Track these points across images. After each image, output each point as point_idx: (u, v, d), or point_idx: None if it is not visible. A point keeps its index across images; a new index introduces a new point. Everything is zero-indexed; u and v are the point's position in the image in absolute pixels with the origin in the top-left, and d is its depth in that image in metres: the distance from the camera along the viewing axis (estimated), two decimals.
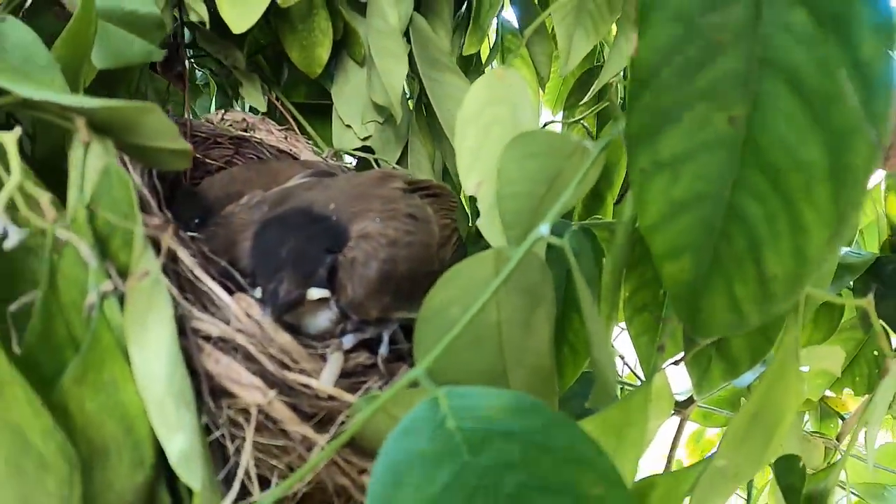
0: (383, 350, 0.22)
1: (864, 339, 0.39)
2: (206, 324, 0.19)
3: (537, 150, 0.22)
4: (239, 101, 0.39)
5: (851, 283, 0.36)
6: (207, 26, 0.30)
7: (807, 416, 0.45)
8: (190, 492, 0.19)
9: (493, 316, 0.21)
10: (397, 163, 0.36)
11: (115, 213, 0.18)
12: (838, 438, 0.40)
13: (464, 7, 0.40)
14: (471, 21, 0.38)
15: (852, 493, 0.43)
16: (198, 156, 0.34)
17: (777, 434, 0.19)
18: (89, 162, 0.18)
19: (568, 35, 0.35)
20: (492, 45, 0.44)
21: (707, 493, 0.20)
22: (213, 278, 0.20)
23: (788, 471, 0.26)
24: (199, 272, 0.20)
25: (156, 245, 0.19)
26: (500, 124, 0.26)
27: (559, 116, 0.46)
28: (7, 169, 0.18)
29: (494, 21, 0.43)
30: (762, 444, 0.19)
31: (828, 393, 0.42)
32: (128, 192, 0.18)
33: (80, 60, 0.22)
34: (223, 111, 0.34)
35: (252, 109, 0.38)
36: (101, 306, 0.17)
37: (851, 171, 0.12)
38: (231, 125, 0.34)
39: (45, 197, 0.18)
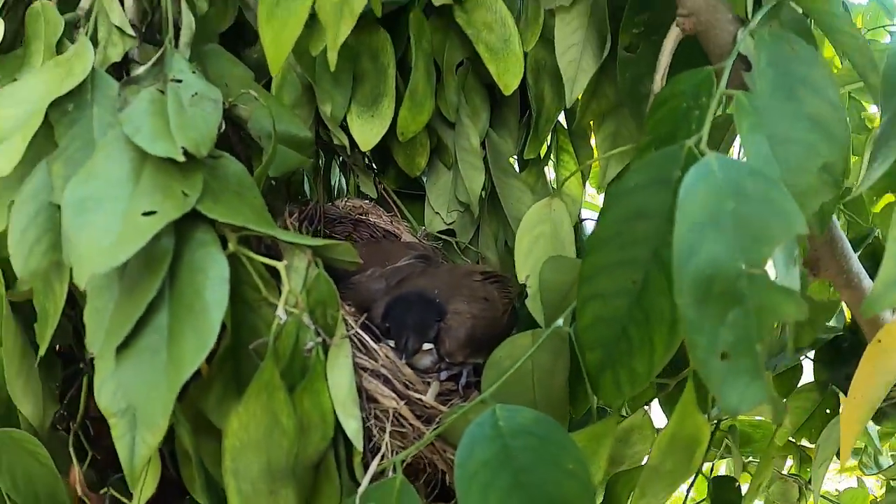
0: (463, 381, 0.42)
1: (820, 399, 0.55)
2: (363, 360, 0.39)
3: (563, 269, 0.41)
4: (355, 190, 0.60)
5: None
6: (348, 151, 0.51)
7: (790, 461, 0.61)
8: (348, 458, 0.39)
9: (529, 367, 0.40)
10: (470, 242, 0.56)
11: (320, 300, 0.38)
12: (809, 481, 0.57)
13: (526, 115, 0.59)
14: (530, 131, 0.57)
15: None
16: (327, 231, 0.55)
17: (698, 452, 0.37)
18: (310, 271, 0.38)
19: (604, 150, 0.54)
20: (548, 144, 0.64)
21: (646, 487, 0.38)
22: (364, 331, 0.40)
23: (725, 489, 0.44)
24: (360, 331, 0.40)
25: None
26: (544, 238, 0.45)
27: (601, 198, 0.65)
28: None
29: None
30: (686, 457, 0.37)
31: (807, 444, 0.59)
32: (330, 287, 0.38)
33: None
34: (346, 198, 0.55)
35: (366, 196, 0.58)
36: (315, 351, 0.37)
37: (677, 329, 0.31)
38: (351, 209, 0.55)
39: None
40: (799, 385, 0.55)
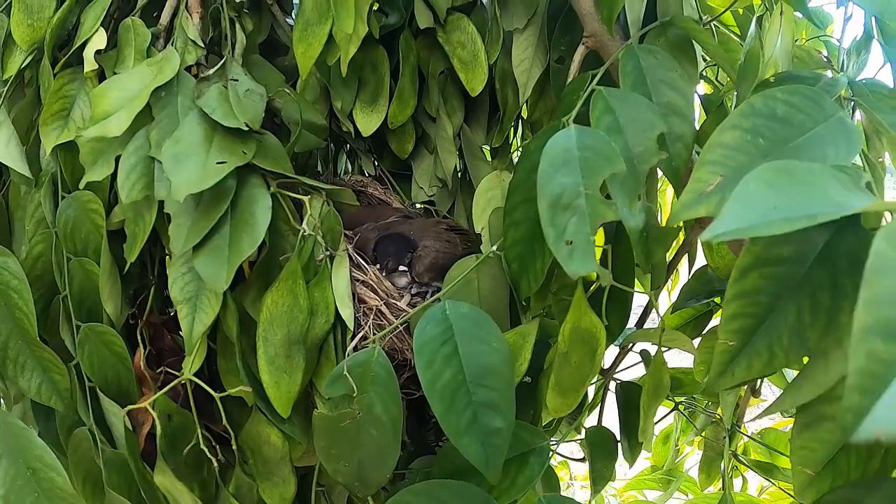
0: (429, 296, 0.63)
1: None
2: (358, 274, 0.61)
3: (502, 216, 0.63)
4: (358, 170, 0.82)
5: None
6: (353, 136, 0.73)
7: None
8: (344, 343, 0.60)
9: (475, 283, 0.61)
10: (447, 212, 0.77)
11: (330, 227, 0.60)
12: (737, 422, 0.76)
13: (497, 115, 0.81)
14: (499, 124, 0.79)
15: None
16: None
17: (599, 348, 0.58)
18: (323, 207, 0.60)
19: None
20: (514, 135, 0.85)
21: (559, 375, 0.58)
22: (360, 257, 0.62)
23: (629, 392, 0.64)
24: (355, 256, 0.61)
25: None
26: (494, 199, 0.67)
27: None
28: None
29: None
30: (589, 350, 0.58)
31: None
32: (336, 218, 0.60)
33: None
34: (350, 175, 0.77)
35: (366, 174, 0.80)
36: (324, 260, 0.59)
37: None
38: (354, 183, 0.77)
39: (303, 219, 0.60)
40: (710, 327, 0.75)
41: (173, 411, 0.64)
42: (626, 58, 0.58)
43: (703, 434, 0.88)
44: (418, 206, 0.79)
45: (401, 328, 0.60)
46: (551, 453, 0.60)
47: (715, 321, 0.80)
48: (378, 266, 0.63)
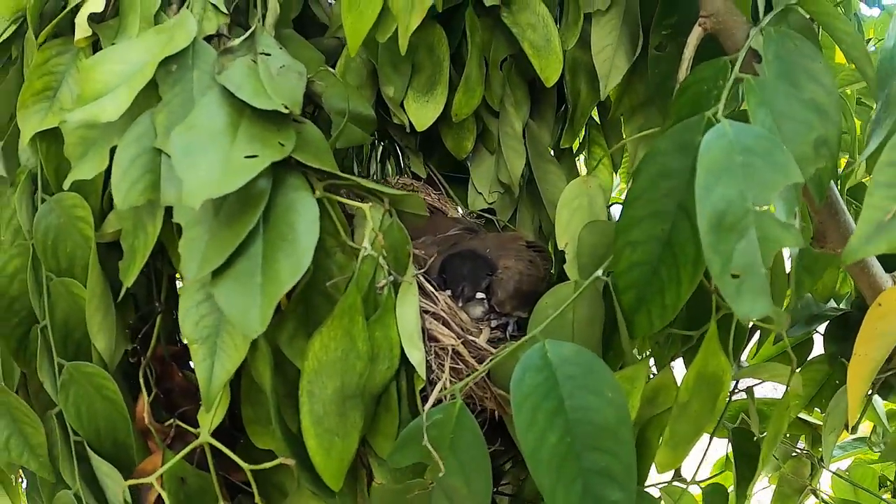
0: (510, 330, 0.46)
1: (830, 371, 0.60)
2: (425, 304, 0.44)
3: (598, 231, 0.46)
4: (406, 170, 0.65)
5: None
6: (408, 129, 0.55)
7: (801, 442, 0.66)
8: (409, 391, 0.43)
9: (570, 315, 0.44)
10: (508, 221, 0.60)
11: (394, 245, 0.42)
12: (821, 459, 0.61)
13: (562, 109, 0.65)
14: (566, 124, 0.62)
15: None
16: None
17: (721, 393, 0.41)
18: (385, 218, 0.43)
19: (635, 144, 0.59)
20: (581, 138, 0.69)
21: (675, 427, 0.42)
22: (427, 282, 0.45)
23: (744, 439, 0.48)
24: (422, 280, 0.44)
25: None
26: (581, 210, 0.50)
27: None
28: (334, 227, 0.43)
29: None
30: (710, 397, 0.42)
31: (818, 422, 0.63)
32: (402, 233, 0.42)
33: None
34: (399, 176, 0.60)
35: (415, 176, 0.63)
36: (387, 288, 0.42)
37: (701, 265, 0.36)
38: (402, 186, 0.60)
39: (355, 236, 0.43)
40: (810, 358, 0.60)
41: (188, 474, 0.46)
42: (768, 42, 0.42)
43: (784, 467, 0.72)
44: (477, 213, 0.62)
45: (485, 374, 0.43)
46: None
47: (817, 350, 0.64)
48: (449, 293, 0.45)
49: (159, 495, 0.48)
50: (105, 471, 0.49)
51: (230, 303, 0.38)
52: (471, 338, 0.44)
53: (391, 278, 0.42)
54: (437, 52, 0.57)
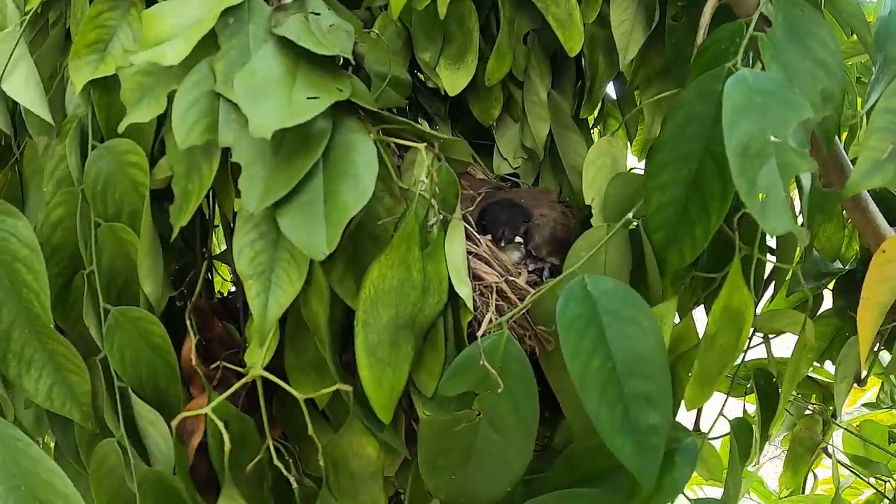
0: (546, 275, 0.49)
1: (839, 325, 0.64)
2: (468, 246, 0.46)
3: (624, 183, 0.49)
4: None
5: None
6: (443, 92, 0.58)
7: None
8: (456, 327, 0.45)
9: (602, 257, 0.47)
10: (532, 185, 0.63)
11: (444, 186, 0.45)
12: (833, 414, 0.64)
13: (579, 84, 0.68)
14: (585, 95, 0.66)
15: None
16: None
17: (745, 327, 0.44)
18: (434, 162, 0.45)
19: (651, 112, 0.62)
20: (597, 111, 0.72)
21: (703, 360, 0.45)
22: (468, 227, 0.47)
23: (765, 380, 0.51)
24: (463, 223, 0.47)
25: None
26: (605, 167, 0.53)
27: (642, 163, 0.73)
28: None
29: None
30: (735, 331, 0.44)
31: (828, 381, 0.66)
32: (451, 175, 0.45)
33: None
34: None
35: None
36: (437, 225, 0.44)
37: (728, 198, 0.39)
38: None
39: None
40: (820, 312, 0.64)
41: (232, 417, 0.47)
42: (777, 7, 0.47)
43: (798, 425, 0.75)
44: (502, 177, 0.64)
45: (525, 311, 0.45)
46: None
47: (826, 305, 0.67)
48: (490, 237, 0.48)
49: (201, 443, 0.49)
50: (149, 417, 0.50)
51: (295, 229, 0.39)
52: (511, 278, 0.46)
53: (441, 216, 0.44)
54: (467, 24, 0.59)
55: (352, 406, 0.43)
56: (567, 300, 0.42)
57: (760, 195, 0.36)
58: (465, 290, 0.43)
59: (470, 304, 0.43)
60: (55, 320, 0.53)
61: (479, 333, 0.42)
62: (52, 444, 0.63)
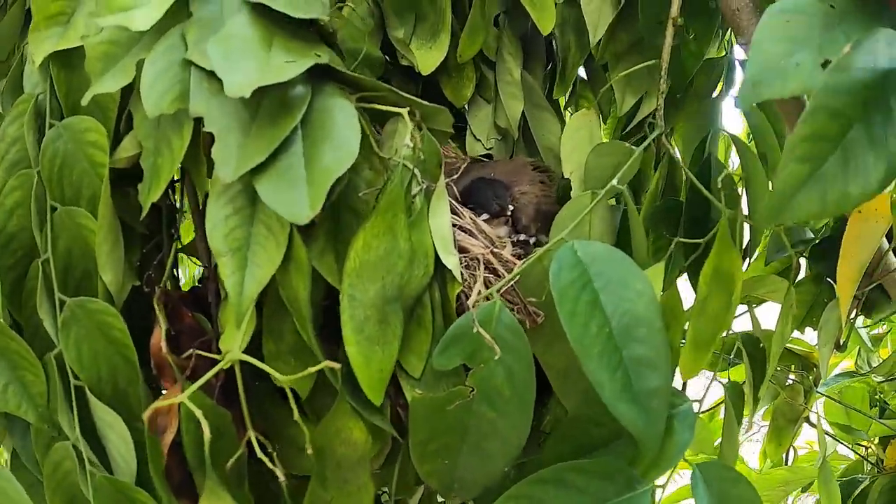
0: (530, 246, 0.48)
1: (817, 292, 0.65)
2: (456, 220, 0.45)
3: (605, 152, 0.49)
4: None
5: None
6: (417, 69, 0.57)
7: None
8: (443, 301, 0.43)
9: (587, 225, 0.47)
10: None
11: (427, 155, 0.43)
12: (815, 382, 0.65)
13: (549, 66, 0.68)
14: (557, 77, 0.65)
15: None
16: None
17: (735, 290, 0.44)
18: (414, 131, 0.43)
19: (622, 89, 0.63)
20: (569, 93, 0.72)
21: (696, 325, 0.44)
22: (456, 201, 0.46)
23: (752, 345, 0.50)
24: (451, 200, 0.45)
25: None
26: (583, 140, 0.53)
27: None
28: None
29: None
30: (726, 295, 0.44)
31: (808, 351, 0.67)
32: (434, 145, 0.43)
33: None
34: None
35: None
36: (420, 195, 0.42)
37: None
38: None
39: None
40: (797, 280, 0.65)
41: (208, 410, 0.44)
42: None
43: (781, 395, 0.75)
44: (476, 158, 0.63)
45: (513, 283, 0.44)
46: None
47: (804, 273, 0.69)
48: (480, 210, 0.47)
49: (175, 442, 0.46)
50: (108, 419, 0.46)
51: (275, 194, 0.37)
52: (496, 251, 0.45)
53: (424, 185, 0.43)
54: (439, 2, 0.59)
55: (339, 387, 0.41)
56: (560, 266, 0.40)
57: None
58: (451, 261, 0.42)
59: (458, 275, 0.42)
60: (10, 314, 0.50)
61: (470, 303, 0.41)
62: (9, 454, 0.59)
